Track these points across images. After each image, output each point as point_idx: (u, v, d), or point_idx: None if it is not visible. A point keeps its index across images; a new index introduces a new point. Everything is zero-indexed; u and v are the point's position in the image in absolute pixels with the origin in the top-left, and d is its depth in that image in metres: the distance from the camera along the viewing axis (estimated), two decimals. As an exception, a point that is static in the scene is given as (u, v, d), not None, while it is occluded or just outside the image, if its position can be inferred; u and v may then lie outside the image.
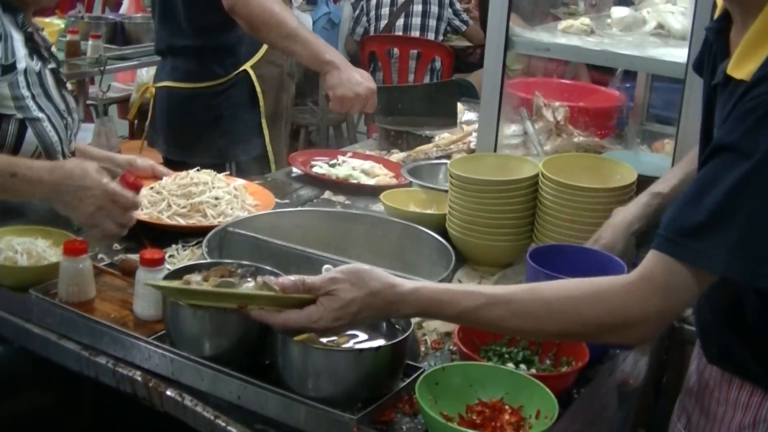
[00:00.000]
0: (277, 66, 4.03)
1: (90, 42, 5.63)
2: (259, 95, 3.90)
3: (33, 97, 2.66)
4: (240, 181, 3.05)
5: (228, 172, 3.65)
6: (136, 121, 6.92)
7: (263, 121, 3.94)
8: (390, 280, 1.81)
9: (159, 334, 2.10)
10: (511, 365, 2.02)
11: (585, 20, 3.02)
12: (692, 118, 2.56)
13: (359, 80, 3.50)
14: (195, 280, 1.99)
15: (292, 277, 1.83)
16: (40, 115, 2.66)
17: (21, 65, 2.63)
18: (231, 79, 3.85)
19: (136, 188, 2.45)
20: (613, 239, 2.37)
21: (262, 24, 3.49)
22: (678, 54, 2.65)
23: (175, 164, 3.44)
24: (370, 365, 1.86)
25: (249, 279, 1.97)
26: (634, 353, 2.36)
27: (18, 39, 2.65)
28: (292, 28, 3.50)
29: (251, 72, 3.87)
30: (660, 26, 3.08)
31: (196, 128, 3.82)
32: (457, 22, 7.76)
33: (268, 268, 2.10)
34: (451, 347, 2.18)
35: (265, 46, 3.87)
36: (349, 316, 1.79)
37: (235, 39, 3.81)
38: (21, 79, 2.63)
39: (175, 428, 2.01)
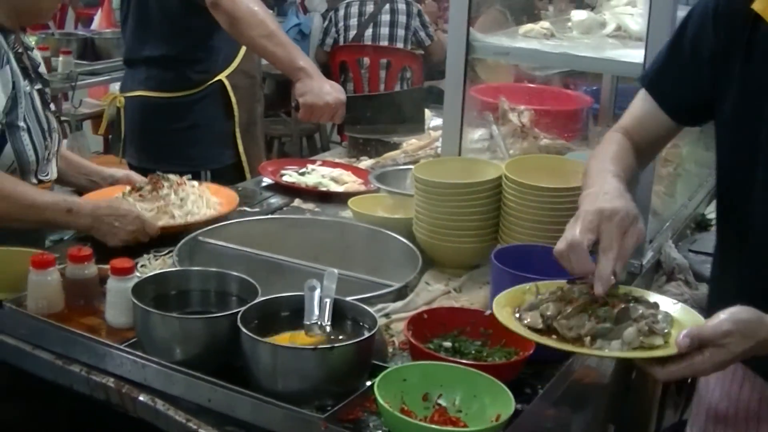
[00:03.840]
0: (250, 77, 4.07)
1: (61, 58, 5.66)
2: (234, 105, 3.94)
3: (24, 118, 2.76)
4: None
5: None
6: (110, 136, 6.93)
7: (237, 130, 3.98)
8: None
9: (131, 341, 2.13)
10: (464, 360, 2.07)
11: (545, 24, 3.06)
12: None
13: (329, 90, 3.55)
14: (556, 319, 1.86)
15: (689, 335, 1.71)
16: (24, 135, 2.76)
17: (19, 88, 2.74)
18: (206, 89, 3.88)
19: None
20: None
21: (243, 21, 3.55)
22: (635, 54, 2.68)
23: (146, 173, 3.48)
24: (336, 363, 1.90)
25: (630, 322, 1.82)
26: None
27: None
28: (271, 29, 3.56)
29: (226, 82, 3.91)
30: (619, 28, 3.12)
31: (170, 137, 3.85)
32: (422, 34, 7.75)
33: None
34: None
35: (239, 57, 3.91)
36: (732, 363, 1.75)
37: (211, 49, 3.85)
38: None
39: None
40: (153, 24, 3.85)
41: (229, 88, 3.92)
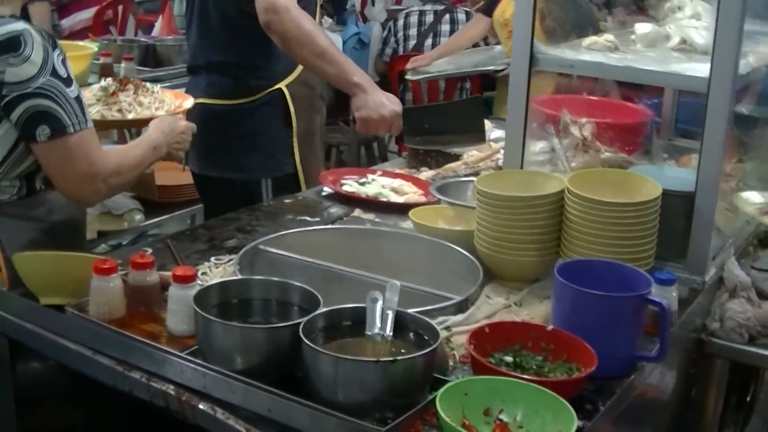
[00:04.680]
0: (310, 87, 4.06)
1: (123, 64, 5.69)
2: (293, 114, 3.94)
3: None
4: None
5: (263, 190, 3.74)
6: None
7: (295, 140, 3.98)
8: None
9: (191, 349, 2.14)
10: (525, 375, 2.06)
11: (609, 37, 3.03)
12: (716, 132, 2.58)
13: (385, 103, 3.56)
14: None
15: None
16: None
17: None
18: (265, 96, 3.88)
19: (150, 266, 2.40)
20: None
21: (295, 41, 3.55)
22: (700, 68, 2.65)
23: (208, 180, 3.49)
24: (398, 375, 1.89)
25: None
26: (661, 366, 2.38)
27: None
28: (323, 48, 3.56)
29: (286, 91, 3.92)
30: (683, 41, 3.08)
31: (230, 144, 3.86)
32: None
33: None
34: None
35: (300, 67, 3.92)
36: None
37: (270, 56, 3.86)
38: None
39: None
40: (214, 30, 3.87)
41: (288, 97, 3.92)
